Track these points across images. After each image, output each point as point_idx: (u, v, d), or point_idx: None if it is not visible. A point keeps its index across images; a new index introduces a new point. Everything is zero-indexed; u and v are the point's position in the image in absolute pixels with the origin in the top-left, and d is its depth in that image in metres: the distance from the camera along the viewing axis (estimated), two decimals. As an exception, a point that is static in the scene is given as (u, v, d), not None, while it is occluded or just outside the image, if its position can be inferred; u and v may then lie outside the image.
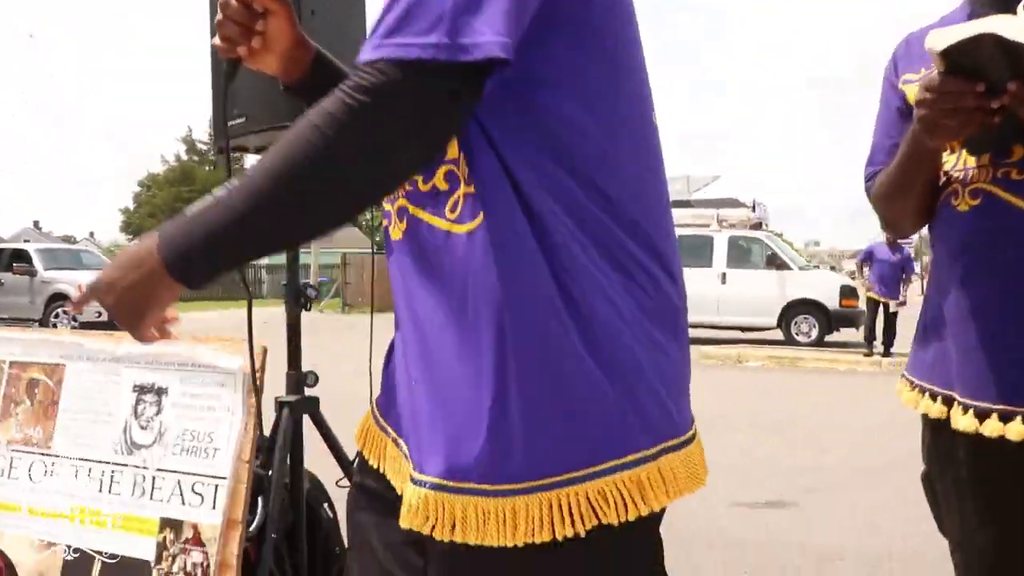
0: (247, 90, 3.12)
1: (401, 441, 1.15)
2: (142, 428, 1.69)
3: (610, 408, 1.02)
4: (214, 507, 1.58)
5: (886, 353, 12.78)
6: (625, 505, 1.01)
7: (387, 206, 1.13)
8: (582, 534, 1.00)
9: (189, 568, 1.60)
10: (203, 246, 0.99)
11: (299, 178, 0.95)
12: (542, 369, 1.01)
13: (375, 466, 1.21)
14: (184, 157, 61.98)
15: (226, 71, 1.30)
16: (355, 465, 1.33)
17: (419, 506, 1.04)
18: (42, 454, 1.81)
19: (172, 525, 1.62)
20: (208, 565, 1.57)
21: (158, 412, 1.68)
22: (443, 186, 1.03)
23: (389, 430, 1.20)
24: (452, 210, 1.03)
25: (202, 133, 62.66)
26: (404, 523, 1.05)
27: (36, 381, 1.87)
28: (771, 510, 4.82)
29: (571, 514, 1.00)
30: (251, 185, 0.96)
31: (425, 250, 1.06)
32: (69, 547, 1.73)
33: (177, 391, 1.67)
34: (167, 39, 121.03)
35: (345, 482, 3.16)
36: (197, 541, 1.58)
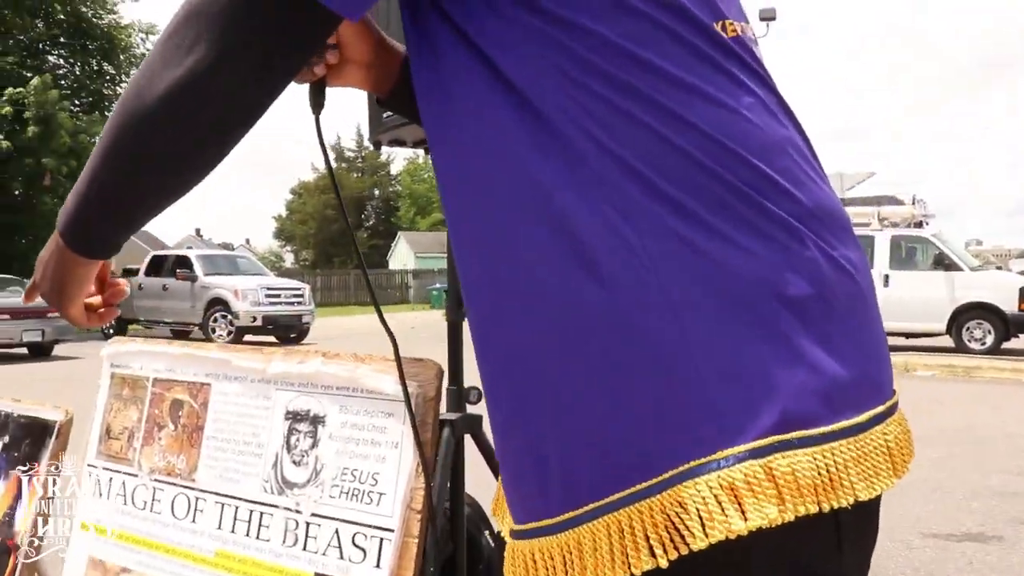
0: (404, 79, 2.90)
1: None
2: (295, 463, 1.43)
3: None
4: (378, 565, 1.30)
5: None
6: (724, 516, 0.81)
7: None
8: (664, 564, 0.82)
9: (348, 632, 1.33)
10: (82, 214, 0.99)
11: (129, 116, 0.92)
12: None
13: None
14: (333, 165, 63.78)
15: (311, 98, 1.16)
16: None
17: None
18: (186, 487, 1.58)
19: (329, 582, 1.35)
20: (370, 631, 1.30)
21: (314, 445, 1.42)
22: None
23: None
24: None
25: (350, 141, 64.57)
26: None
27: (180, 402, 1.64)
28: (974, 544, 4.28)
29: (647, 537, 0.84)
30: (99, 141, 0.94)
31: None
32: (213, 597, 1.49)
33: (336, 421, 1.40)
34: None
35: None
36: (359, 604, 1.31)
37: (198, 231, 77.02)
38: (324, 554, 1.36)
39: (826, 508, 0.84)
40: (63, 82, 27.67)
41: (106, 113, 29.24)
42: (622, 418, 0.86)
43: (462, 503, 2.70)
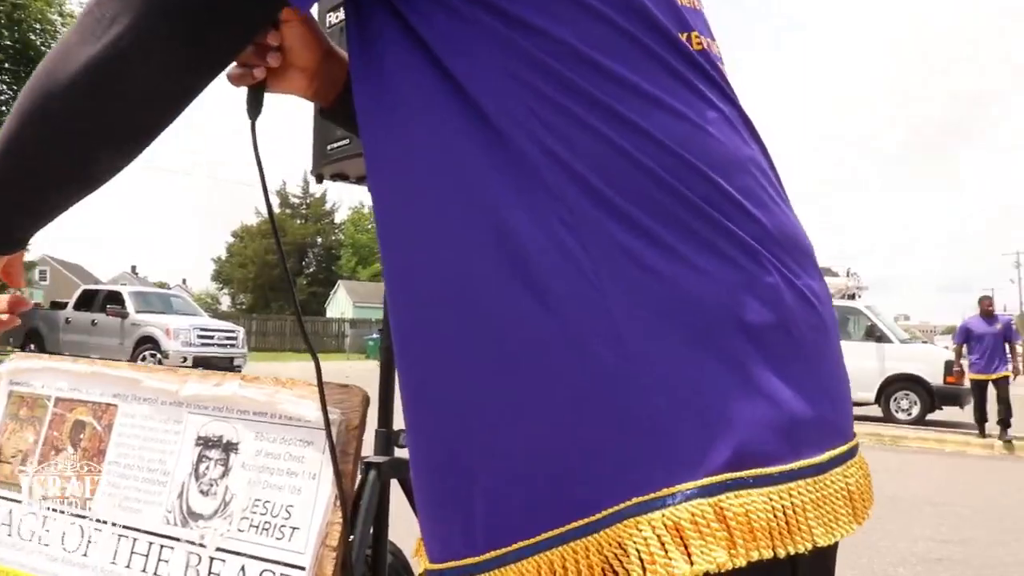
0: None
1: None
2: (203, 493, 1.32)
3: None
4: (287, 606, 1.19)
5: (1003, 434, 11.85)
6: (668, 559, 0.73)
7: None
8: None
9: None
10: None
11: (37, 95, 0.84)
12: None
13: None
14: (277, 210, 63.45)
15: (248, 103, 1.05)
16: None
17: None
18: (80, 516, 1.45)
19: (231, 625, 1.23)
20: None
21: (224, 474, 1.30)
22: None
23: None
24: None
25: (295, 187, 64.24)
26: None
27: (83, 424, 1.51)
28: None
29: None
30: (6, 123, 0.87)
31: None
32: (102, 639, 1.35)
33: (250, 448, 1.29)
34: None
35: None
36: (264, 650, 1.19)
37: (134, 268, 75.57)
38: (228, 593, 1.24)
39: (781, 554, 0.76)
40: (4, 108, 27.04)
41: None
42: (558, 449, 0.78)
43: (385, 550, 2.57)
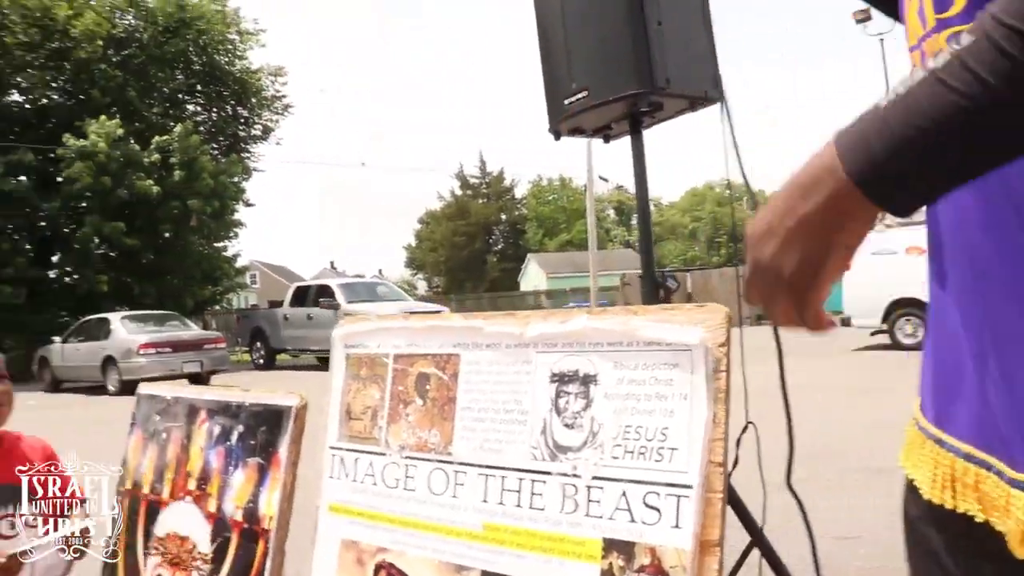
0: (586, 61, 2.82)
1: (992, 458, 0.84)
2: (567, 427, 1.35)
3: None
4: (677, 524, 1.21)
5: None
6: None
7: None
8: None
9: (641, 603, 1.24)
10: (902, 157, 0.71)
11: None
12: None
13: (938, 502, 0.91)
14: (458, 193, 64.92)
15: None
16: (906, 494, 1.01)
17: None
18: (442, 461, 1.52)
19: (620, 548, 1.26)
20: (673, 600, 1.21)
21: (587, 406, 1.34)
22: None
23: (959, 445, 0.89)
24: None
25: (473, 168, 65.44)
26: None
27: (427, 376, 1.59)
28: None
29: None
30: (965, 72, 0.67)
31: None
32: (485, 572, 1.42)
33: (611, 378, 1.32)
34: (437, 79, 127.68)
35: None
36: (657, 570, 1.21)
37: (332, 264, 79.46)
38: (611, 518, 1.27)
39: None
40: (201, 128, 28.91)
41: (242, 155, 30.54)
42: None
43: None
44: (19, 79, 26.13)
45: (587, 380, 1.34)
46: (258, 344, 21.77)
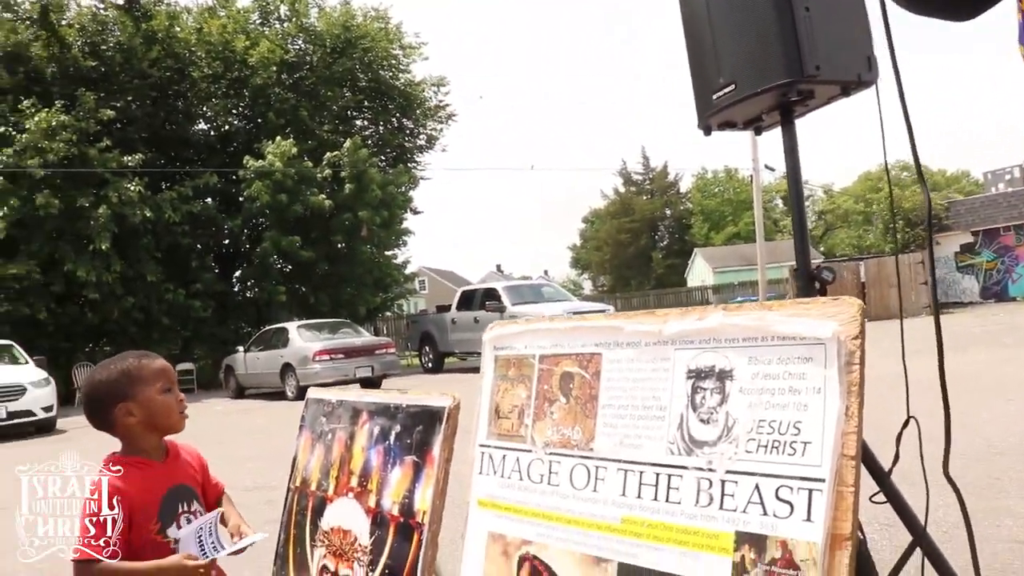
0: (732, 54, 2.81)
1: None
2: (703, 422, 1.38)
3: None
4: (809, 518, 1.21)
5: None
6: None
7: None
8: None
9: (776, 596, 1.25)
10: None
11: None
12: None
13: None
14: (622, 190, 64.74)
15: None
16: None
17: None
18: (583, 457, 1.58)
19: (752, 541, 1.28)
20: (806, 593, 1.21)
21: (722, 401, 1.36)
22: None
23: None
24: None
25: (636, 165, 65.13)
26: None
27: (570, 375, 1.65)
28: None
29: None
30: None
31: None
32: (623, 564, 1.46)
33: (745, 373, 1.34)
34: (596, 77, 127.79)
35: (880, 497, 2.68)
36: (788, 563, 1.23)
37: (499, 266, 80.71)
38: (744, 511, 1.29)
39: None
40: (369, 141, 30.07)
41: (409, 164, 31.56)
42: None
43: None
44: (204, 108, 28.02)
45: (723, 375, 1.37)
46: (427, 348, 22.42)
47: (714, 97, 2.82)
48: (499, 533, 1.72)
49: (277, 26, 29.66)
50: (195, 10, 27.89)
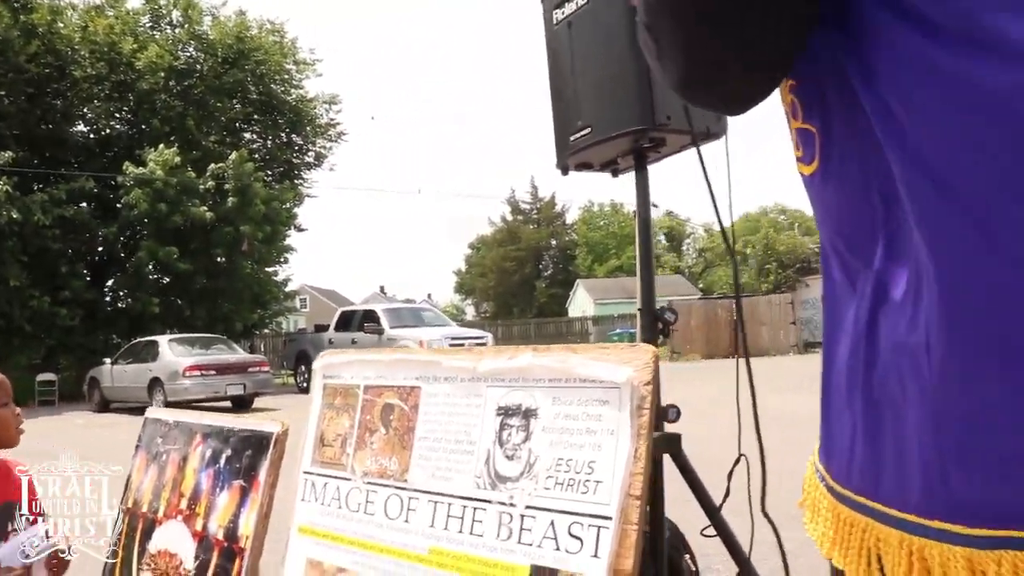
0: (590, 98, 2.91)
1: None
2: (508, 458, 1.42)
3: None
4: (596, 554, 1.27)
5: None
6: None
7: None
8: None
9: (567, 628, 1.29)
10: None
11: None
12: None
13: None
14: (509, 218, 65.30)
15: None
16: None
17: None
18: (398, 487, 1.60)
19: (545, 574, 1.32)
20: (591, 626, 1.26)
21: (526, 439, 1.41)
22: None
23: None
24: None
25: (524, 194, 65.81)
26: None
27: (391, 406, 1.68)
28: None
29: None
30: None
31: None
32: (429, 595, 1.49)
33: (549, 413, 1.39)
34: (489, 105, 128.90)
35: (711, 531, 2.80)
36: (578, 597, 1.28)
37: (382, 288, 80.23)
38: (539, 546, 1.34)
39: None
40: (256, 155, 29.57)
41: (296, 181, 31.13)
42: None
43: (663, 526, 2.62)
44: (85, 110, 27.06)
45: (528, 414, 1.41)
46: (302, 367, 22.08)
47: (571, 138, 2.92)
48: (317, 560, 1.73)
49: (168, 31, 28.95)
50: (81, 7, 26.92)
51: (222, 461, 2.05)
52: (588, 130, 2.85)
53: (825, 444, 1.02)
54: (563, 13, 2.94)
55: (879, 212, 0.86)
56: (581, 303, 57.57)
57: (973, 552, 0.78)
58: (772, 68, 0.91)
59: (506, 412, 1.45)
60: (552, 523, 1.33)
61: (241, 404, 17.82)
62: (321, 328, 23.21)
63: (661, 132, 2.78)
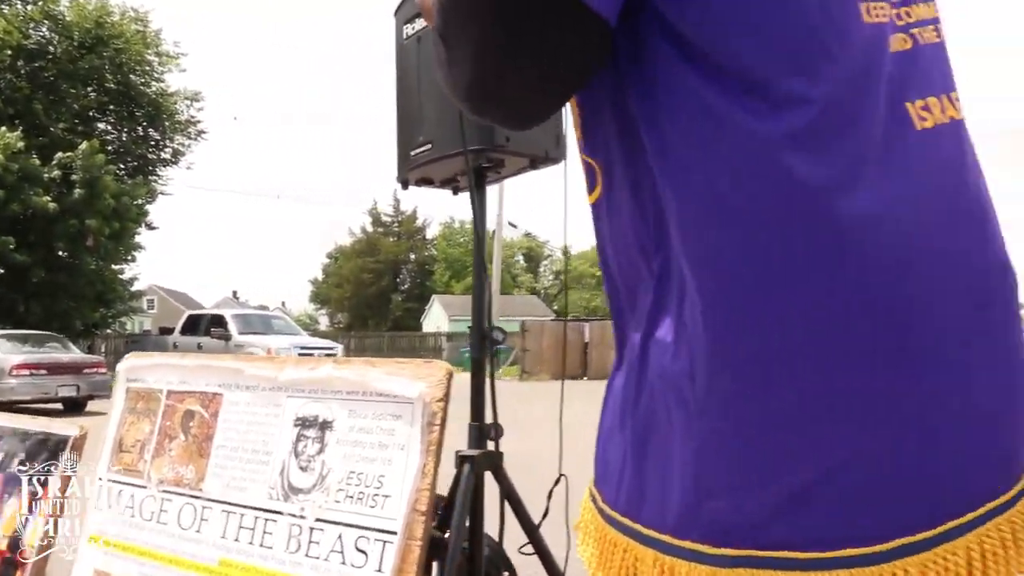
0: (433, 114, 2.93)
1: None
2: (301, 469, 1.41)
3: None
4: (380, 569, 1.27)
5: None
6: None
7: None
8: None
9: (350, 644, 1.29)
10: None
11: None
12: None
13: None
14: (370, 229, 64.63)
15: None
16: None
17: None
18: (193, 496, 1.56)
19: (331, 589, 1.32)
20: (372, 641, 1.27)
21: (321, 450, 1.40)
22: None
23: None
24: None
25: (387, 206, 65.35)
26: None
27: (192, 413, 1.64)
28: None
29: None
30: None
31: None
32: (216, 608, 1.46)
33: (344, 425, 1.38)
34: (354, 111, 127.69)
35: (529, 548, 2.83)
36: (362, 610, 1.28)
37: (235, 293, 77.93)
38: (326, 559, 1.33)
39: None
40: (109, 147, 28.33)
41: (150, 177, 29.95)
42: None
43: (482, 543, 2.64)
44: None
45: (324, 425, 1.41)
46: (145, 371, 21.19)
47: (412, 153, 2.92)
48: (104, 571, 1.67)
49: (19, 7, 27.31)
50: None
51: (15, 465, 1.95)
52: (429, 146, 2.86)
53: (599, 467, 1.05)
54: (413, 28, 2.95)
55: (650, 244, 0.90)
56: (436, 318, 57.52)
57: (716, 571, 0.83)
58: (564, 82, 0.91)
59: (303, 423, 1.44)
60: (340, 537, 1.33)
61: (73, 407, 16.94)
62: (166, 331, 22.40)
63: (499, 153, 2.81)
